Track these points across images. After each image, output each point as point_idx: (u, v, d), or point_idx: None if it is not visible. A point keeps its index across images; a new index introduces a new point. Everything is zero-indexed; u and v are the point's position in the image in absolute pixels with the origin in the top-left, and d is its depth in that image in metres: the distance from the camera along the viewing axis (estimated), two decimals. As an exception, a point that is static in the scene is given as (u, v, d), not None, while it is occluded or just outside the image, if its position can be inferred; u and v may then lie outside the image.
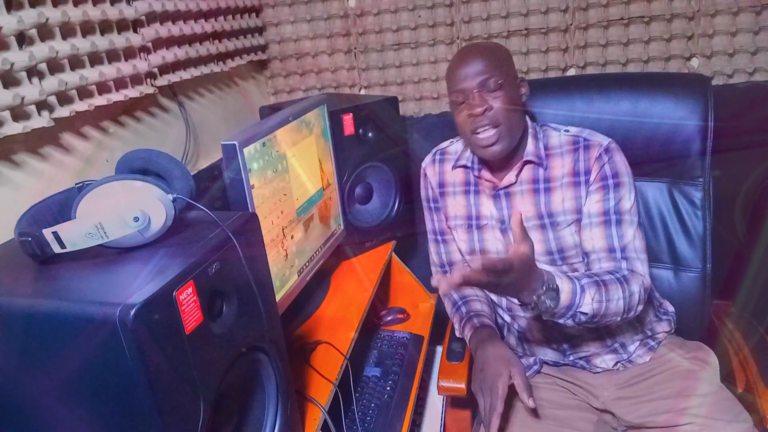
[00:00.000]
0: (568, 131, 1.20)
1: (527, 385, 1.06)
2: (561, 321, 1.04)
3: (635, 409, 1.15)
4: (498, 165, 1.20)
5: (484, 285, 0.91)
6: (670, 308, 1.28)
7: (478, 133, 1.11)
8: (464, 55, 1.14)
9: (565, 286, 1.00)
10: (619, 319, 1.08)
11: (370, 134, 1.52)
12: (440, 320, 1.53)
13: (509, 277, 0.90)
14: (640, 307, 1.10)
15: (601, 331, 1.19)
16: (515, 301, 1.09)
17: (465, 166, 1.26)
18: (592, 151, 1.15)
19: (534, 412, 1.15)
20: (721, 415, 1.05)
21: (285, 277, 1.18)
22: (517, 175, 1.19)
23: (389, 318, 1.66)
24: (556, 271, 1.06)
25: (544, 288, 0.97)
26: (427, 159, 1.35)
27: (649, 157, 1.30)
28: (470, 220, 1.26)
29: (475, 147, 1.16)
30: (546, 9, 1.66)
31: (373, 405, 1.30)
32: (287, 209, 1.20)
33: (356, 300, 1.37)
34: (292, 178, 1.21)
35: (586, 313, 1.02)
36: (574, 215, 1.16)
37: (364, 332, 1.53)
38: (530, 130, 1.20)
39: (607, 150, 1.14)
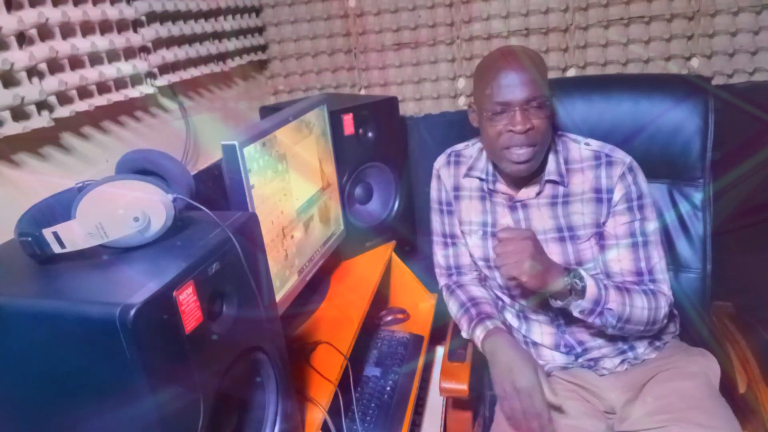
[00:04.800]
0: (588, 145, 1.17)
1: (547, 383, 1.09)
2: (590, 320, 1.10)
3: (636, 411, 1.15)
4: (515, 179, 1.18)
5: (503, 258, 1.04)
6: (674, 309, 1.28)
7: (511, 149, 1.08)
8: (511, 62, 1.06)
9: (589, 281, 1.07)
10: (642, 328, 1.13)
11: (370, 134, 1.52)
12: (440, 320, 1.53)
13: (514, 245, 1.02)
14: (665, 321, 1.16)
15: (614, 336, 1.19)
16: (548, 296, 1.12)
17: (480, 179, 1.24)
18: (615, 168, 1.13)
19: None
20: (713, 423, 1.04)
21: (285, 277, 1.18)
22: (538, 193, 1.17)
23: (389, 318, 1.66)
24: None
25: (569, 278, 1.06)
26: (441, 160, 1.32)
27: (649, 158, 1.30)
28: (485, 227, 1.25)
29: (502, 161, 1.12)
30: (546, 9, 1.66)
31: (373, 405, 1.30)
32: (287, 209, 1.20)
33: (356, 300, 1.37)
34: (292, 178, 1.21)
35: (612, 311, 1.07)
36: (593, 229, 1.16)
37: (364, 332, 1.53)
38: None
39: (630, 169, 1.13)
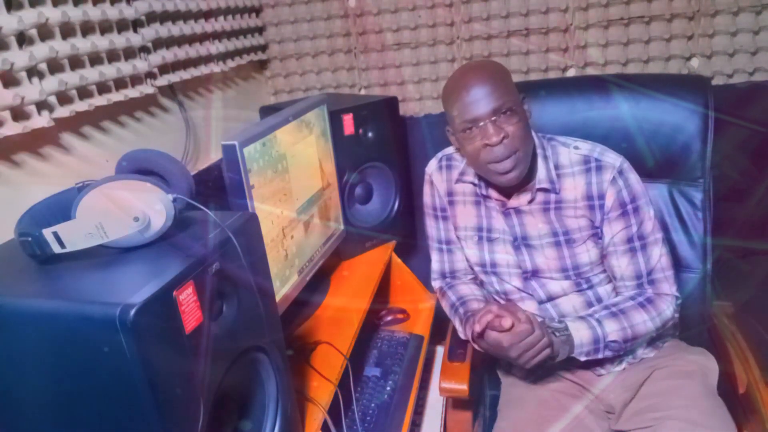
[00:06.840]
0: (577, 148, 1.16)
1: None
2: (600, 355, 1.11)
3: (633, 409, 1.15)
4: (506, 187, 1.17)
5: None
6: None
7: (495, 163, 1.07)
8: (469, 79, 1.07)
9: (578, 325, 1.09)
10: (654, 335, 1.15)
11: (370, 134, 1.52)
12: (440, 320, 1.53)
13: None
14: (677, 316, 1.17)
15: None
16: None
17: (473, 183, 1.23)
18: (605, 173, 1.12)
19: (549, 420, 1.14)
20: (707, 422, 1.04)
21: (285, 277, 1.18)
22: (530, 201, 1.16)
23: (389, 318, 1.66)
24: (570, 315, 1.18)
25: (557, 338, 1.07)
26: (433, 165, 1.31)
27: (649, 158, 1.30)
28: (481, 232, 1.24)
29: (490, 175, 1.11)
30: (546, 9, 1.65)
31: (373, 405, 1.30)
32: (287, 209, 1.20)
33: (356, 300, 1.37)
34: (292, 178, 1.21)
35: (616, 341, 1.09)
36: (589, 231, 1.15)
37: (364, 332, 1.53)
38: (539, 150, 1.15)
39: (621, 172, 1.12)
